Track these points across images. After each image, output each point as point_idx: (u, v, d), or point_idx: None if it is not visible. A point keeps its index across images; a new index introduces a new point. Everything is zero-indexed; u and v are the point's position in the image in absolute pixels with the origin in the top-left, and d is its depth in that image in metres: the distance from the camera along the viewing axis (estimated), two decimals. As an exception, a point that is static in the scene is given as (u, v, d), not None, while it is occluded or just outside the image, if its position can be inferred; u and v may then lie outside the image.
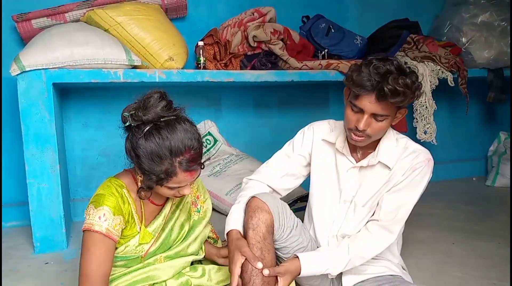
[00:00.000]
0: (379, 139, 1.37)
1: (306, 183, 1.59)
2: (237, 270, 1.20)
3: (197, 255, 1.43)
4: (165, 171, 1.12)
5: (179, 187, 1.17)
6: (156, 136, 1.10)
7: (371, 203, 1.37)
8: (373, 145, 1.38)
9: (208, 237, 1.54)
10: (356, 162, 1.40)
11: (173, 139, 1.11)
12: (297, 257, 1.27)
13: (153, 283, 1.30)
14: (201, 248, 1.47)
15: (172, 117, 1.14)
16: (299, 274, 1.26)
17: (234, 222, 1.34)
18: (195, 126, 1.19)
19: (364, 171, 1.39)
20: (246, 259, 1.21)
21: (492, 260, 1.89)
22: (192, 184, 1.21)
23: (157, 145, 1.10)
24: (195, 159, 1.15)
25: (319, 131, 1.50)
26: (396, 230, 1.33)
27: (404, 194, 1.33)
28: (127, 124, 1.14)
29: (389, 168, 1.35)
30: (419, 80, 1.22)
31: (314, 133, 1.50)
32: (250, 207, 1.30)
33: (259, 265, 1.19)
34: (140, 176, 1.19)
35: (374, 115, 1.24)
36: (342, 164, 1.42)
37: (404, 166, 1.33)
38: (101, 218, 1.16)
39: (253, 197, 1.33)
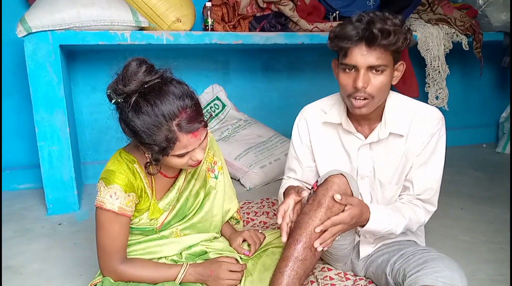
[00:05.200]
0: (383, 108, 1.29)
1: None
2: (283, 206, 1.17)
3: (217, 233, 1.42)
4: (166, 139, 1.03)
5: (187, 152, 1.09)
6: (144, 105, 1.02)
7: (397, 178, 1.31)
8: (378, 115, 1.30)
9: (231, 217, 1.50)
10: (365, 138, 1.32)
11: (163, 103, 1.02)
12: (368, 207, 1.20)
13: (167, 256, 1.31)
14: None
15: (156, 81, 1.05)
16: (364, 226, 1.19)
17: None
18: (185, 84, 1.10)
19: (376, 145, 1.31)
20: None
21: (499, 225, 1.90)
22: (205, 147, 1.14)
23: (148, 114, 1.02)
24: (193, 117, 1.06)
25: (313, 115, 1.41)
26: (435, 200, 1.31)
27: (431, 164, 1.28)
28: (114, 101, 1.06)
29: (402, 136, 1.28)
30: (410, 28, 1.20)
31: (307, 121, 1.42)
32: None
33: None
34: (148, 154, 1.11)
35: (370, 68, 1.17)
36: (351, 143, 1.34)
37: (421, 133, 1.27)
38: (112, 197, 1.13)
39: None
